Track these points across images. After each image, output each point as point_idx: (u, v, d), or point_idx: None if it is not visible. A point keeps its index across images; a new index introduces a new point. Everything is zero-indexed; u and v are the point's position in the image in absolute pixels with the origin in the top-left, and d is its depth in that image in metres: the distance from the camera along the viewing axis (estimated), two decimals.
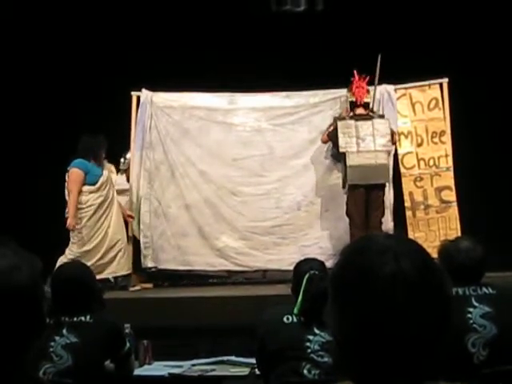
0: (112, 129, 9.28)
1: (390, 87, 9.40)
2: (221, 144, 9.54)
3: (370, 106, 8.97)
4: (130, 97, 9.53)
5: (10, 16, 9.94)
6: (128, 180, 9.45)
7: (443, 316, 1.52)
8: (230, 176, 9.44)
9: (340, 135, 8.69)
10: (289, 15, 9.81)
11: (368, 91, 8.96)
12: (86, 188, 8.41)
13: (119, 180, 9.35)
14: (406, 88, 9.49)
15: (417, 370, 1.50)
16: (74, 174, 8.37)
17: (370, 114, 8.92)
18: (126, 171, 9.52)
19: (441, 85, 9.34)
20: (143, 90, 9.55)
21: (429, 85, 9.42)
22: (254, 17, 9.82)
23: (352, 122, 8.77)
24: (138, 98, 9.55)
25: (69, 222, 8.22)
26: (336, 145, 8.82)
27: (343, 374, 1.55)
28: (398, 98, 9.44)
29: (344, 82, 9.13)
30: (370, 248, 1.56)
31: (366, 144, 8.62)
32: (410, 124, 9.38)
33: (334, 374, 3.74)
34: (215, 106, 9.65)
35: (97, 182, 8.47)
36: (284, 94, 9.63)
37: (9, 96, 10.03)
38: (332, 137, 8.88)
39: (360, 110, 8.89)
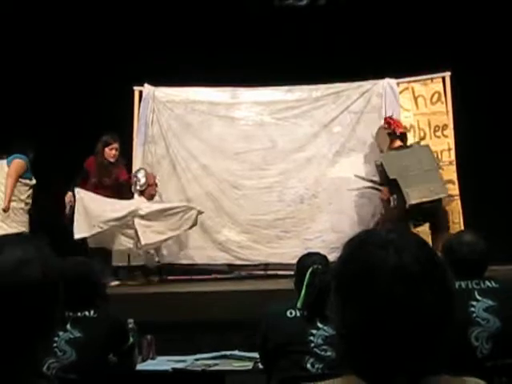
0: (114, 123, 9.29)
1: (393, 81, 9.40)
2: (223, 138, 9.55)
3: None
4: (133, 91, 9.54)
5: (11, 10, 9.93)
6: (150, 198, 8.95)
7: (446, 310, 1.52)
8: (232, 170, 9.44)
9: (386, 166, 8.51)
10: (291, 9, 9.81)
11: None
12: (24, 181, 8.48)
13: (143, 204, 8.74)
14: (408, 82, 9.48)
15: (420, 364, 1.50)
16: (20, 163, 8.45)
17: (408, 144, 8.88)
18: (144, 192, 8.94)
19: (443, 78, 9.33)
20: (145, 85, 9.56)
21: (431, 78, 9.41)
22: (256, 11, 9.81)
23: (394, 152, 8.71)
24: (141, 92, 9.58)
25: (6, 205, 8.26)
26: (383, 174, 8.59)
27: (347, 367, 1.56)
28: (400, 92, 9.43)
29: (346, 76, 9.13)
30: (372, 242, 1.57)
31: (413, 172, 8.45)
32: (413, 118, 9.37)
33: (338, 367, 3.74)
34: (217, 100, 9.66)
35: (31, 179, 8.57)
36: (286, 88, 9.63)
37: (9, 91, 10.02)
38: (380, 173, 8.69)
39: (398, 143, 8.78)
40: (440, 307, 1.50)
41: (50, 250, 1.73)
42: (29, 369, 1.64)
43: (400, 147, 8.74)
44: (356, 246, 1.60)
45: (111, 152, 8.86)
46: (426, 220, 8.46)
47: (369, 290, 1.50)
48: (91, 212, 8.50)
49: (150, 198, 8.92)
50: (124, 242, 8.69)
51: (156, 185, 9.00)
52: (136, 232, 8.53)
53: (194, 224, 8.78)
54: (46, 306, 1.65)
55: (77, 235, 8.45)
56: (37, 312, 1.63)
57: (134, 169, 9.33)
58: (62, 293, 1.71)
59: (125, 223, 8.58)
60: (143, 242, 8.47)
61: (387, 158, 8.65)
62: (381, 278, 1.49)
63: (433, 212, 8.35)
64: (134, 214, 8.55)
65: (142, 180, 8.85)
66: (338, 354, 1.99)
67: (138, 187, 8.85)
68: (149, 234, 8.53)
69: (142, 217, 8.55)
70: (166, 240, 8.78)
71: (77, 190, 8.63)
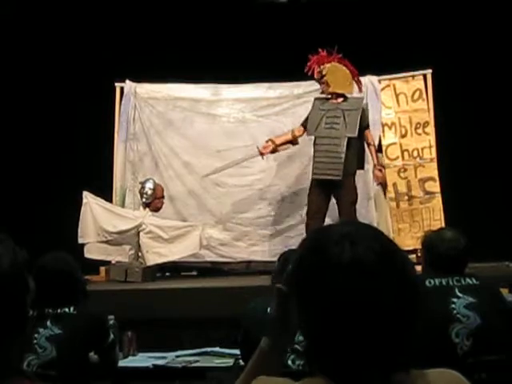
0: (96, 120, 9.26)
1: (374, 78, 9.40)
2: (205, 135, 9.53)
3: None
4: (114, 88, 9.50)
5: None
6: (155, 211, 8.79)
7: (409, 301, 1.49)
8: (214, 167, 9.42)
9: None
10: (273, 6, 9.80)
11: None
12: None
13: (148, 219, 8.60)
14: (389, 79, 9.48)
15: (388, 360, 1.48)
16: None
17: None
18: (150, 204, 8.75)
19: (424, 76, 9.34)
20: (127, 81, 9.53)
21: (412, 76, 9.42)
22: (238, 7, 9.80)
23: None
24: (122, 89, 9.54)
25: None
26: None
27: (314, 368, 1.54)
28: (381, 89, 9.43)
29: None
30: (326, 238, 1.54)
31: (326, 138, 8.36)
32: (394, 115, 9.37)
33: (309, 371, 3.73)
34: (199, 97, 9.64)
35: None
36: (268, 84, 9.63)
37: None
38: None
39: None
40: (402, 298, 1.47)
41: (14, 244, 1.72)
42: (3, 363, 1.63)
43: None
44: (311, 246, 1.57)
45: None
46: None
47: (327, 288, 1.47)
48: (97, 220, 8.46)
49: (156, 210, 8.80)
50: (123, 256, 8.62)
51: (163, 197, 8.89)
52: (139, 248, 8.50)
53: (198, 249, 8.75)
54: (15, 299, 1.64)
55: (81, 239, 8.42)
56: (6, 305, 1.61)
57: (115, 166, 9.29)
58: (31, 287, 1.69)
59: (128, 237, 8.53)
60: (147, 264, 8.43)
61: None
62: (337, 274, 1.46)
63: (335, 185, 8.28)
64: (138, 228, 8.50)
65: (149, 192, 8.71)
66: (307, 358, 1.97)
67: (143, 199, 8.74)
68: (151, 254, 8.47)
69: (146, 233, 8.49)
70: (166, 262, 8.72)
71: (84, 193, 8.52)
